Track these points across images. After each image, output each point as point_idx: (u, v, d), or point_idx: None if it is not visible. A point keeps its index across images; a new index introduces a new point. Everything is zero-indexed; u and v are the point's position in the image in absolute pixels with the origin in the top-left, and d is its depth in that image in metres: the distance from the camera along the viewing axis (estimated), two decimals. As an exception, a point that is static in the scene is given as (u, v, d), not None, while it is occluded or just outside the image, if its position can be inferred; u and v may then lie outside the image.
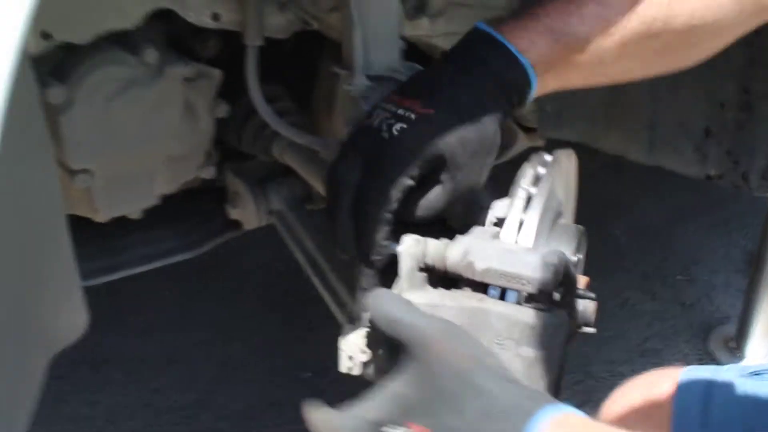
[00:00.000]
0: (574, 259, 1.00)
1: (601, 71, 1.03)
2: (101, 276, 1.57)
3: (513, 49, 0.95)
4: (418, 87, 0.98)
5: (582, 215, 2.45)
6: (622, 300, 2.22)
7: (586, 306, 1.00)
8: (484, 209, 1.03)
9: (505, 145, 1.69)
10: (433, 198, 0.96)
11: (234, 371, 2.09)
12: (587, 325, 1.02)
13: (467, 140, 0.95)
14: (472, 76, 0.96)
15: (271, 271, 2.38)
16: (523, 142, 1.71)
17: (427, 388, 0.84)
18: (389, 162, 0.92)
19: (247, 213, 1.57)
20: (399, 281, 0.95)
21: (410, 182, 0.93)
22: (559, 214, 1.08)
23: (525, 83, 0.97)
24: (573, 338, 1.01)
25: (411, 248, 0.94)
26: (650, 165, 1.61)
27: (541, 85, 0.98)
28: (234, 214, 1.58)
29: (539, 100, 1.60)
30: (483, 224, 1.00)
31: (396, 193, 0.93)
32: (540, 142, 1.71)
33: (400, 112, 0.94)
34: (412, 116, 0.93)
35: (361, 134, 0.96)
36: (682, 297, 2.27)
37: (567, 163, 1.11)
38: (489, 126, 0.96)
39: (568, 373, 1.91)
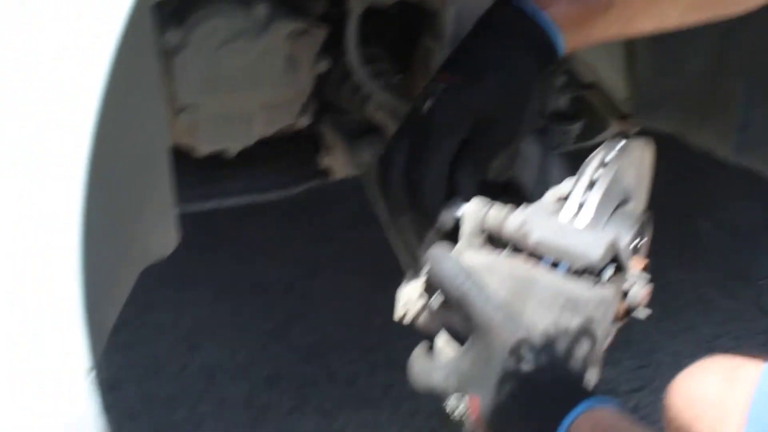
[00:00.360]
0: (629, 242, 1.05)
1: (632, 21, 1.05)
2: (197, 204, 1.69)
3: (534, 8, 1.00)
4: (450, 59, 1.04)
5: (672, 208, 2.48)
6: (698, 294, 2.23)
7: (639, 289, 1.05)
8: (551, 184, 1.09)
9: (597, 129, 1.73)
10: (478, 158, 1.04)
11: (311, 307, 2.21)
12: (638, 307, 1.07)
13: (497, 98, 1.01)
14: (497, 38, 1.01)
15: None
16: (615, 127, 1.73)
17: (482, 365, 0.93)
18: (427, 136, 1.00)
19: (338, 163, 1.65)
20: (459, 241, 1.03)
21: (450, 149, 1.00)
22: (625, 200, 1.13)
23: (550, 39, 1.01)
24: (623, 318, 1.07)
25: (473, 212, 1.02)
26: (736, 165, 1.62)
27: (570, 40, 1.03)
28: (325, 162, 1.67)
29: (636, 88, 1.64)
30: (546, 199, 1.06)
31: (440, 163, 1.00)
32: (633, 130, 1.73)
33: (435, 87, 1.01)
34: (443, 87, 1.00)
35: (406, 118, 1.04)
36: (761, 301, 2.26)
37: (641, 151, 1.15)
38: (518, 82, 1.02)
39: (632, 357, 1.97)
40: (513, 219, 0.99)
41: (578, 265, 0.95)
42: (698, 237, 2.43)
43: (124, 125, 0.88)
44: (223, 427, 1.89)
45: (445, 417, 1.74)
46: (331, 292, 2.25)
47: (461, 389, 0.96)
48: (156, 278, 2.33)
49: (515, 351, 0.91)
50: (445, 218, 1.04)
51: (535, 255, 0.98)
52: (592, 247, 0.94)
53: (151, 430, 1.90)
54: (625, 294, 1.05)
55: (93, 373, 0.79)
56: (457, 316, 0.98)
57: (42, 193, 0.75)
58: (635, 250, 1.10)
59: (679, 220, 2.49)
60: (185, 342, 2.13)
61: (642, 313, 1.09)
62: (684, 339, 2.08)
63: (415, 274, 1.11)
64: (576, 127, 1.70)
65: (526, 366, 0.91)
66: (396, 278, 1.11)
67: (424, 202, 1.03)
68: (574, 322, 0.95)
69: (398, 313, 1.09)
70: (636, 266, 1.07)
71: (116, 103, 0.78)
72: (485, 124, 1.01)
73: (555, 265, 0.97)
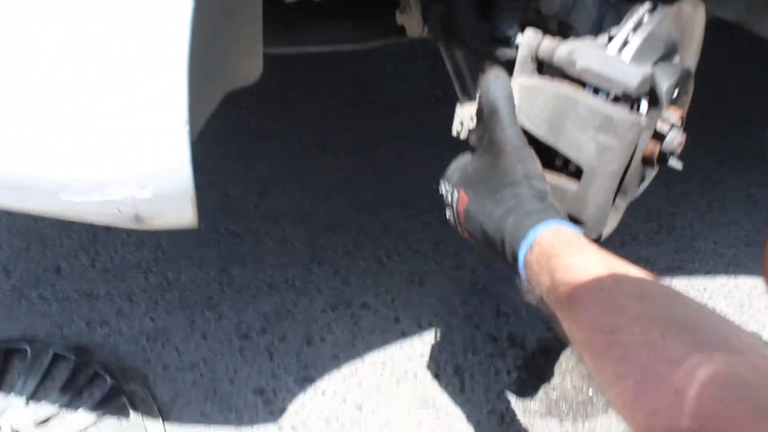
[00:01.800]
0: (668, 87, 1.15)
1: None
2: (281, 46, 1.83)
3: None
4: None
5: (732, 106, 2.48)
6: (747, 194, 2.29)
7: (675, 135, 1.15)
8: (603, 30, 1.19)
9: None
10: None
11: (373, 170, 2.35)
12: (672, 154, 1.17)
13: None
14: None
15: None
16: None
17: (485, 173, 1.08)
18: None
19: (413, 21, 1.76)
20: (515, 67, 1.15)
21: None
22: (671, 53, 1.22)
23: None
24: (657, 162, 1.17)
25: (528, 40, 1.13)
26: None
27: None
28: (401, 20, 1.77)
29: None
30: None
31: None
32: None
33: None
34: None
35: None
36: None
37: (692, 8, 1.24)
38: None
39: (674, 240, 2.08)
40: (563, 47, 1.10)
41: (616, 90, 1.06)
42: (757, 137, 2.48)
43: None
44: (283, 262, 2.06)
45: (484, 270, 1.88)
46: (394, 158, 2.39)
47: (459, 184, 1.13)
48: (231, 132, 2.51)
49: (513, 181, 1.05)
50: (503, 48, 1.16)
51: (580, 82, 1.09)
52: (631, 76, 1.05)
53: (218, 258, 2.08)
54: (661, 139, 1.15)
55: (188, 127, 0.93)
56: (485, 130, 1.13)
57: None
58: (674, 101, 1.20)
59: (741, 118, 2.54)
60: (255, 188, 2.30)
61: (677, 163, 1.19)
62: (725, 232, 2.16)
63: (472, 96, 1.23)
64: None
65: (522, 192, 1.05)
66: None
67: (487, 36, 1.16)
68: (608, 142, 1.07)
69: (454, 130, 1.23)
70: (674, 113, 1.17)
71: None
72: None
73: (596, 92, 1.09)
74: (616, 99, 1.07)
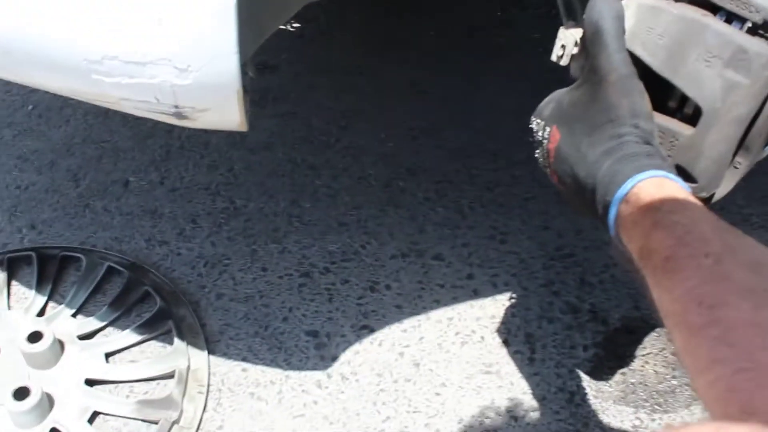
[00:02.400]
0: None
1: None
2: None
3: None
4: None
5: None
6: None
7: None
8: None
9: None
10: None
11: (467, 115, 2.19)
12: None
13: None
14: None
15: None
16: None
17: (583, 107, 0.91)
18: None
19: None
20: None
21: None
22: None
23: None
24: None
25: (651, -47, 0.94)
26: None
27: None
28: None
29: None
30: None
31: None
32: None
33: None
34: None
35: None
36: None
37: None
38: None
39: None
40: (693, -37, 0.92)
41: (756, 18, 0.87)
42: None
43: None
44: (357, 201, 1.93)
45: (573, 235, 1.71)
46: (490, 106, 2.22)
47: (552, 119, 0.96)
48: (323, 63, 2.38)
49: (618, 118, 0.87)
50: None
51: (711, 5, 0.90)
52: (776, 1, 0.86)
53: (290, 190, 1.96)
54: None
55: (235, 1, 0.80)
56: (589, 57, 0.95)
57: None
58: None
59: None
60: (339, 121, 2.17)
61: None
62: None
63: (578, 20, 1.05)
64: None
65: (626, 137, 0.87)
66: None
67: None
68: (738, 79, 0.88)
69: (555, 54, 1.05)
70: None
71: None
72: None
73: (730, 21, 0.90)
74: (754, 30, 0.88)
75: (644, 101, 0.89)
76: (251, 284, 1.74)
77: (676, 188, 0.82)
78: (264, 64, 2.40)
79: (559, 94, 0.99)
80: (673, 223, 0.77)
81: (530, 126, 1.02)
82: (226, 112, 0.92)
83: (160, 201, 1.94)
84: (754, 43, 0.87)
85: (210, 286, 1.73)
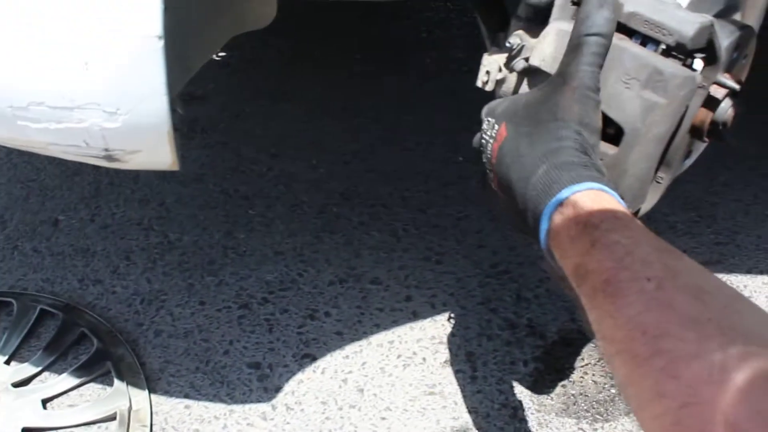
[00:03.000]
0: (727, 47, 0.99)
1: None
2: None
3: None
4: None
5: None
6: (798, 188, 2.13)
7: (729, 103, 0.99)
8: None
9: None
10: None
11: (398, 137, 2.21)
12: (725, 126, 1.01)
13: None
14: None
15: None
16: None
17: (536, 106, 0.90)
18: None
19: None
20: (552, 11, 0.99)
21: None
22: (731, 9, 1.07)
23: None
24: (708, 134, 1.02)
25: (569, -20, 0.98)
26: None
27: None
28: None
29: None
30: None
31: None
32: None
33: None
34: None
35: None
36: None
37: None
38: None
39: (715, 233, 1.91)
40: (609, -12, 0.95)
41: (669, 40, 0.91)
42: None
43: None
44: (292, 229, 1.93)
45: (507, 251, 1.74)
46: (420, 128, 2.25)
47: (502, 117, 0.93)
48: (251, 91, 2.38)
49: (569, 126, 0.86)
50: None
51: (627, 29, 0.94)
52: (686, 24, 0.90)
53: (224, 221, 1.95)
54: (714, 106, 1.00)
55: (162, 42, 0.79)
56: (540, 76, 0.96)
57: None
58: (732, 65, 1.04)
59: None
60: (270, 149, 2.17)
61: (731, 137, 1.03)
62: (773, 226, 2.00)
63: (501, 46, 1.08)
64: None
65: (568, 144, 0.85)
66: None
67: None
68: (655, 99, 0.91)
69: (480, 80, 1.08)
70: (730, 78, 1.01)
71: None
72: None
73: (645, 43, 0.94)
74: (668, 51, 0.92)
75: (596, 116, 0.87)
76: (190, 319, 1.72)
77: (614, 203, 0.79)
78: (191, 94, 2.39)
79: (517, 95, 0.97)
80: (612, 242, 0.74)
81: (483, 126, 0.98)
82: (157, 153, 0.91)
83: (91, 239, 1.91)
84: (669, 65, 0.91)
85: (148, 324, 1.71)
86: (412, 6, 2.79)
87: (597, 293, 0.73)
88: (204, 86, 2.43)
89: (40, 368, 1.60)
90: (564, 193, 0.80)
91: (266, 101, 2.34)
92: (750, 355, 0.60)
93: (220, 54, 2.54)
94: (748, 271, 1.88)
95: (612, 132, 0.97)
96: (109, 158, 0.92)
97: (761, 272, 1.88)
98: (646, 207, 1.07)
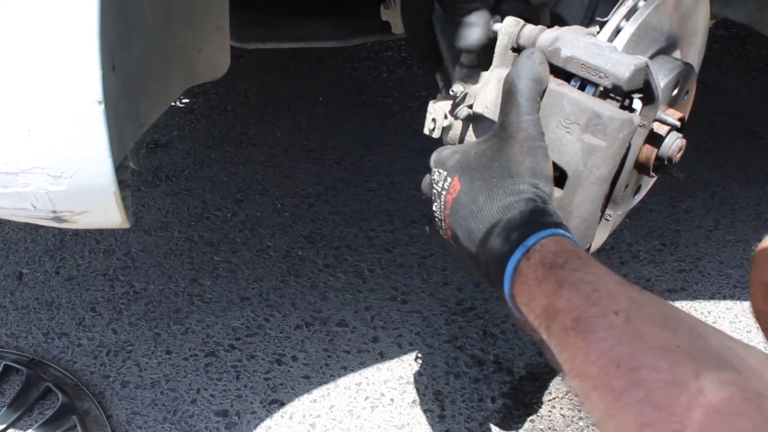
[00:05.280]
0: (666, 85, 1.01)
1: None
2: (256, 42, 1.71)
3: None
4: None
5: (741, 116, 2.37)
6: (757, 211, 2.16)
7: (673, 138, 1.01)
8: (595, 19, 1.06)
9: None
10: None
11: (361, 177, 2.23)
12: (670, 161, 1.03)
13: None
14: None
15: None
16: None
17: (488, 160, 0.93)
18: None
19: (398, 18, 1.64)
20: (494, 56, 1.02)
21: None
22: (670, 47, 1.09)
23: None
24: (654, 169, 1.04)
25: (508, 27, 1.00)
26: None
27: None
28: (385, 15, 1.65)
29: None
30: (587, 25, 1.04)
31: None
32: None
33: None
34: None
35: None
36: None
37: (692, 1, 1.11)
38: None
39: (677, 260, 1.93)
40: (546, 34, 0.97)
41: (605, 83, 0.93)
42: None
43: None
44: (258, 274, 1.93)
45: (473, 288, 1.75)
46: (382, 167, 2.26)
47: (454, 170, 0.95)
48: (215, 137, 2.39)
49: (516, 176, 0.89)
50: (480, 33, 1.03)
51: (565, 73, 0.96)
52: (621, 66, 0.92)
53: (189, 268, 1.95)
54: (658, 142, 1.02)
55: (102, 107, 0.80)
56: (484, 123, 0.98)
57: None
58: (674, 101, 1.06)
59: (750, 134, 2.42)
60: (235, 195, 2.18)
61: (677, 171, 1.06)
62: (732, 251, 2.02)
63: (446, 93, 1.10)
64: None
65: (522, 194, 0.89)
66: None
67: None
68: (595, 142, 0.93)
69: (426, 128, 1.09)
70: (673, 115, 1.03)
71: None
72: None
73: (583, 87, 0.96)
74: (606, 94, 0.94)
75: (546, 164, 0.91)
76: (156, 369, 1.71)
77: (574, 246, 0.83)
78: (155, 142, 2.40)
79: (466, 146, 0.99)
80: (578, 281, 0.77)
81: (432, 177, 1.00)
82: (105, 213, 0.92)
83: (56, 291, 1.90)
84: (607, 108, 0.93)
85: (114, 375, 1.70)
86: (372, 47, 2.82)
87: (568, 332, 0.75)
88: (169, 133, 2.44)
89: (4, 425, 1.59)
90: (530, 241, 0.83)
91: (231, 147, 2.36)
92: (723, 379, 0.63)
93: (184, 100, 2.56)
94: (712, 297, 1.90)
95: (557, 174, 0.99)
96: (58, 219, 0.93)
97: (724, 297, 1.90)
98: (596, 244, 1.08)
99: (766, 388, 0.62)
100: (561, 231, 0.84)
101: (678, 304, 1.86)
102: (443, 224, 0.97)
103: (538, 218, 0.85)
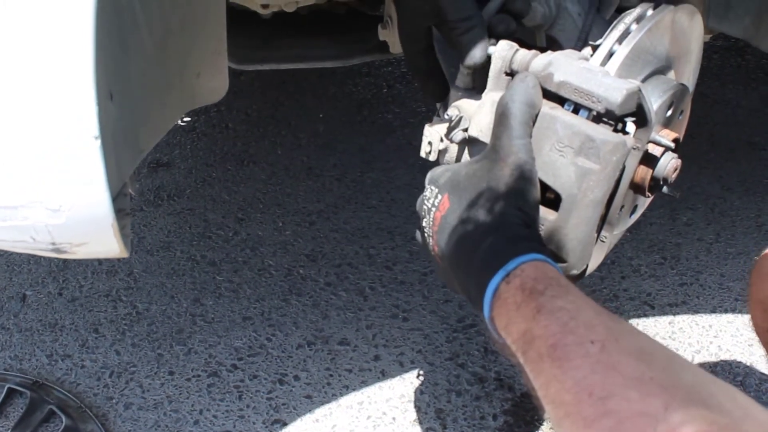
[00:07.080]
0: (660, 106, 1.02)
1: None
2: (255, 63, 1.72)
3: None
4: None
5: (739, 128, 2.38)
6: (758, 223, 2.16)
7: (668, 159, 1.02)
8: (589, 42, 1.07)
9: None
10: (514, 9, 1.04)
11: (361, 195, 2.24)
12: (665, 181, 1.04)
13: None
14: None
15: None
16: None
17: (477, 180, 0.94)
18: None
19: (396, 37, 1.65)
20: (488, 80, 1.02)
21: None
22: (665, 68, 1.10)
23: None
24: (649, 189, 1.04)
25: (502, 51, 1.00)
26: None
27: None
28: (383, 35, 1.66)
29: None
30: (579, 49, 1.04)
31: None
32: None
33: None
34: None
35: None
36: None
37: (687, 19, 1.11)
38: None
39: (678, 274, 1.94)
40: (540, 59, 0.98)
41: (598, 107, 0.93)
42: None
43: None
44: (259, 293, 1.94)
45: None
46: (383, 184, 2.27)
47: (445, 188, 0.96)
48: (216, 155, 2.40)
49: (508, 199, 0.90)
50: (475, 57, 1.04)
51: (558, 98, 0.96)
52: (614, 91, 0.92)
53: (192, 288, 1.96)
54: (653, 163, 1.02)
55: (99, 141, 0.81)
56: (480, 146, 0.99)
57: None
58: (668, 121, 1.07)
59: (750, 145, 2.43)
60: (236, 214, 2.19)
61: (673, 191, 1.06)
62: (733, 264, 2.02)
63: (441, 117, 1.11)
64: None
65: (509, 218, 0.89)
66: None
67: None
68: (589, 165, 0.94)
69: (423, 151, 1.10)
70: (667, 135, 1.04)
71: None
72: None
73: (577, 110, 0.96)
74: (599, 117, 0.95)
75: (534, 190, 0.92)
76: (159, 390, 1.72)
77: (555, 273, 0.84)
78: (157, 161, 2.41)
79: (458, 165, 1.00)
80: (557, 308, 0.78)
81: (425, 193, 1.01)
82: (104, 244, 0.93)
83: (60, 313, 1.91)
84: (600, 132, 0.93)
85: (117, 397, 1.71)
86: (371, 62, 2.83)
87: (543, 358, 0.76)
88: (170, 152, 2.45)
89: (8, 450, 1.60)
90: (511, 265, 0.84)
91: (232, 165, 2.37)
92: (692, 414, 0.64)
93: (186, 119, 2.57)
94: (713, 311, 1.90)
95: (552, 197, 0.99)
96: (57, 251, 0.93)
97: (726, 311, 1.90)
98: (593, 265, 1.09)
99: (733, 425, 0.63)
100: (542, 257, 0.85)
101: (679, 318, 1.86)
102: (431, 240, 0.98)
103: (520, 242, 0.86)
